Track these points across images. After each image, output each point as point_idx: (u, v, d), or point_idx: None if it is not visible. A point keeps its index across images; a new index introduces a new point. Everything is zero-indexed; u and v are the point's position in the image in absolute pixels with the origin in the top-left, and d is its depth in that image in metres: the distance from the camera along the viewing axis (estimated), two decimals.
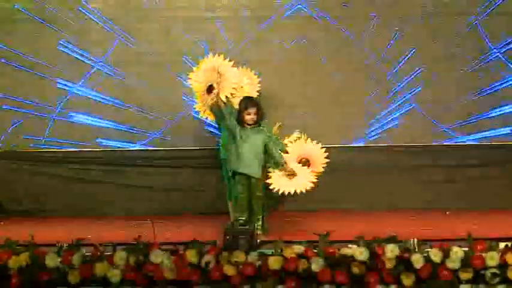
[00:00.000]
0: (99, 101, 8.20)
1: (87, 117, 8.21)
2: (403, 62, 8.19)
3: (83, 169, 8.21)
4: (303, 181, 6.58)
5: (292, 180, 6.57)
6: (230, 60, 6.76)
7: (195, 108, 7.19)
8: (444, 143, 8.26)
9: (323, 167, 6.73)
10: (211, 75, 6.67)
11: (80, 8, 8.14)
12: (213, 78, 6.65)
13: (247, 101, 6.58)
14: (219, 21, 8.17)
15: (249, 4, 8.19)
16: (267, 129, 6.69)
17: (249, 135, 6.53)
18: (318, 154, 6.74)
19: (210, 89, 6.67)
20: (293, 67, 8.21)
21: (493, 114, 8.26)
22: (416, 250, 5.15)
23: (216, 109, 6.73)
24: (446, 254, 5.11)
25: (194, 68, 6.99)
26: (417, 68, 8.20)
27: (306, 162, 6.69)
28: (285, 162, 6.56)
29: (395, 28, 8.14)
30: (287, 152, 6.67)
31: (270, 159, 6.60)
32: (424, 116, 8.23)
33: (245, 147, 6.52)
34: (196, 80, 6.89)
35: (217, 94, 6.55)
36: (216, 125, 7.30)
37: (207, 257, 5.11)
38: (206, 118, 7.25)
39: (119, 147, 8.23)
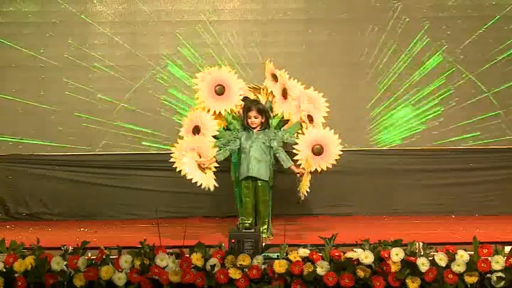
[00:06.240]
0: (106, 104, 8.24)
1: (95, 120, 8.23)
2: (404, 65, 8.20)
3: (89, 173, 8.21)
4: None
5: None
6: (234, 63, 6.78)
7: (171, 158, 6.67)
8: (449, 147, 8.24)
9: (336, 158, 6.47)
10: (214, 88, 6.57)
11: (83, 16, 8.19)
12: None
13: (249, 105, 6.51)
14: (223, 25, 8.19)
15: (252, 8, 8.20)
16: (276, 131, 6.56)
17: (254, 139, 6.48)
18: (332, 141, 6.48)
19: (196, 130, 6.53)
20: (297, 70, 8.18)
21: None
22: (422, 254, 5.15)
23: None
24: (451, 258, 5.12)
25: (198, 75, 6.82)
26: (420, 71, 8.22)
27: (319, 150, 6.44)
28: (293, 165, 6.39)
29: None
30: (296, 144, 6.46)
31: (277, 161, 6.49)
32: (428, 119, 8.22)
33: (251, 151, 6.46)
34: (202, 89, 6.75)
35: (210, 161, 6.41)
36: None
37: (212, 261, 5.12)
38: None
39: (125, 151, 8.23)
